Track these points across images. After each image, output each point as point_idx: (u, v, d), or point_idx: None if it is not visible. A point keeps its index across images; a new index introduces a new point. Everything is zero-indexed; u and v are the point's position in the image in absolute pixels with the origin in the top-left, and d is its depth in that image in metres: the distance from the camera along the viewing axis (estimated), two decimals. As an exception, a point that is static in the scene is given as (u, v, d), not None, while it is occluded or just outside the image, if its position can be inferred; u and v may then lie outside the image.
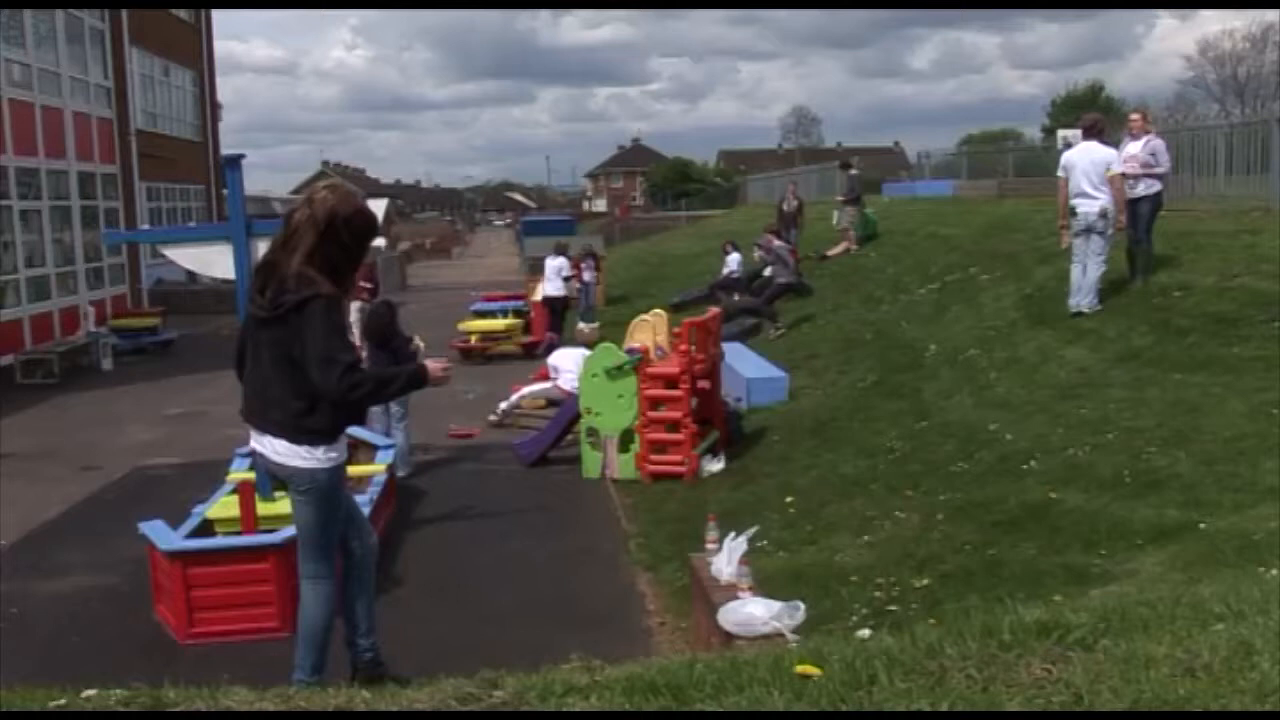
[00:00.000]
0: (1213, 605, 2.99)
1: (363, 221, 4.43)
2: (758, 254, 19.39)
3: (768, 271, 18.79)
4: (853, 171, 23.42)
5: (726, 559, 5.54)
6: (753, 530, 5.66)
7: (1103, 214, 11.19)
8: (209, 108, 35.20)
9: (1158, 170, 11.87)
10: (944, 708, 2.20)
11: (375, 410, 10.78)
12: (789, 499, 9.18)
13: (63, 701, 2.56)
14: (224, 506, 8.19)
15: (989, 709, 2.19)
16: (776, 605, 4.82)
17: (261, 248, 8.30)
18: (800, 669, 2.49)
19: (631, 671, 2.52)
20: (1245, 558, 5.18)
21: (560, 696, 2.35)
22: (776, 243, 18.90)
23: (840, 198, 22.93)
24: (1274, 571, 4.28)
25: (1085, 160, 11.33)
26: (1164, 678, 2.33)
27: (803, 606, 4.73)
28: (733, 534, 5.62)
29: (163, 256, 10.77)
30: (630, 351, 11.18)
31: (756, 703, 2.26)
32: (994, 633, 2.68)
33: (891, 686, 2.36)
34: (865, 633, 3.18)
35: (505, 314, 21.56)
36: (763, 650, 3.08)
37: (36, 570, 8.58)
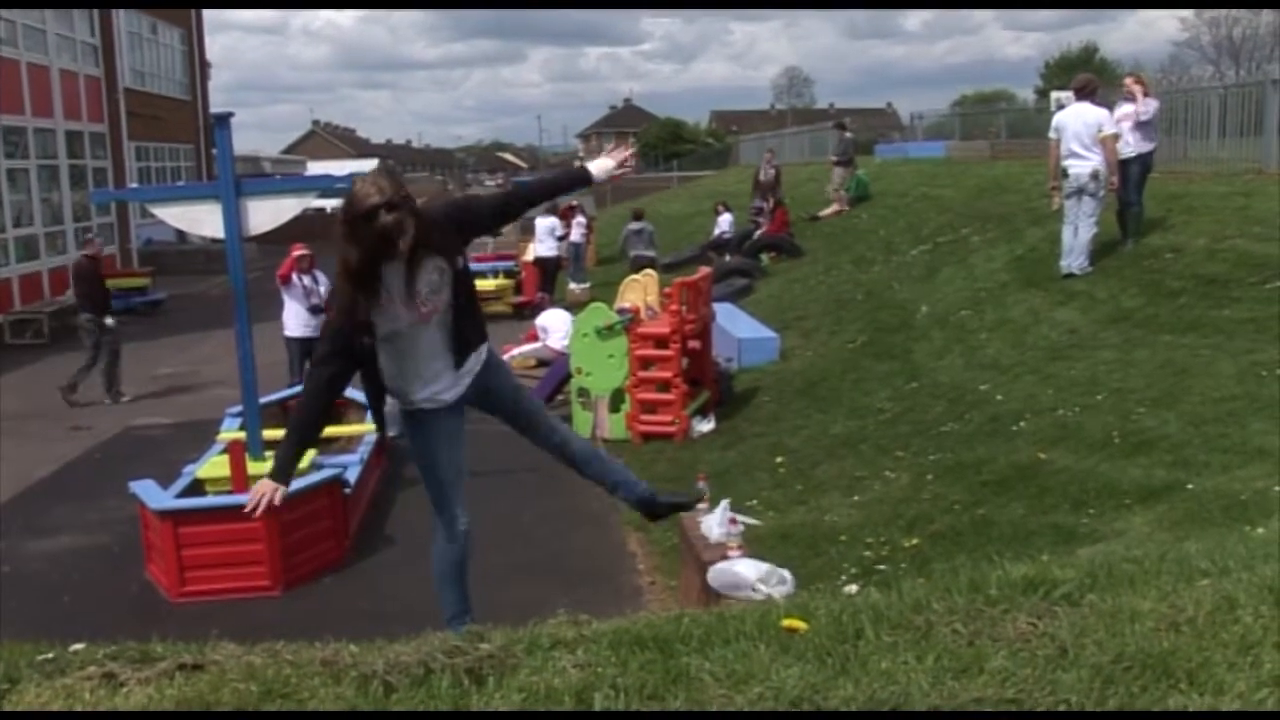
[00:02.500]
0: (1198, 561, 3.00)
1: (349, 210, 4.06)
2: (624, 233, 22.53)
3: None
4: (847, 134, 23.32)
5: (718, 519, 5.56)
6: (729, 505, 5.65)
7: (1094, 175, 11.16)
8: (198, 66, 34.91)
9: (1143, 118, 11.77)
10: (929, 661, 2.21)
11: None
12: (779, 459, 9.21)
13: (50, 655, 2.57)
14: (214, 466, 8.19)
15: (974, 662, 2.20)
16: (765, 567, 4.83)
17: (250, 207, 8.31)
18: (787, 623, 2.50)
19: (618, 626, 2.53)
20: (1232, 517, 5.21)
21: (547, 650, 2.36)
22: (633, 224, 22.48)
23: (833, 159, 22.83)
24: (1260, 530, 4.30)
25: (1077, 122, 11.29)
26: (1148, 631, 2.34)
27: (791, 578, 4.74)
28: (723, 501, 5.63)
29: (152, 216, 10.73)
30: (621, 311, 11.17)
31: (743, 656, 2.27)
32: (981, 588, 2.69)
33: (877, 640, 2.37)
34: (852, 588, 3.19)
35: (496, 274, 21.51)
36: (750, 605, 3.10)
37: (28, 530, 8.60)
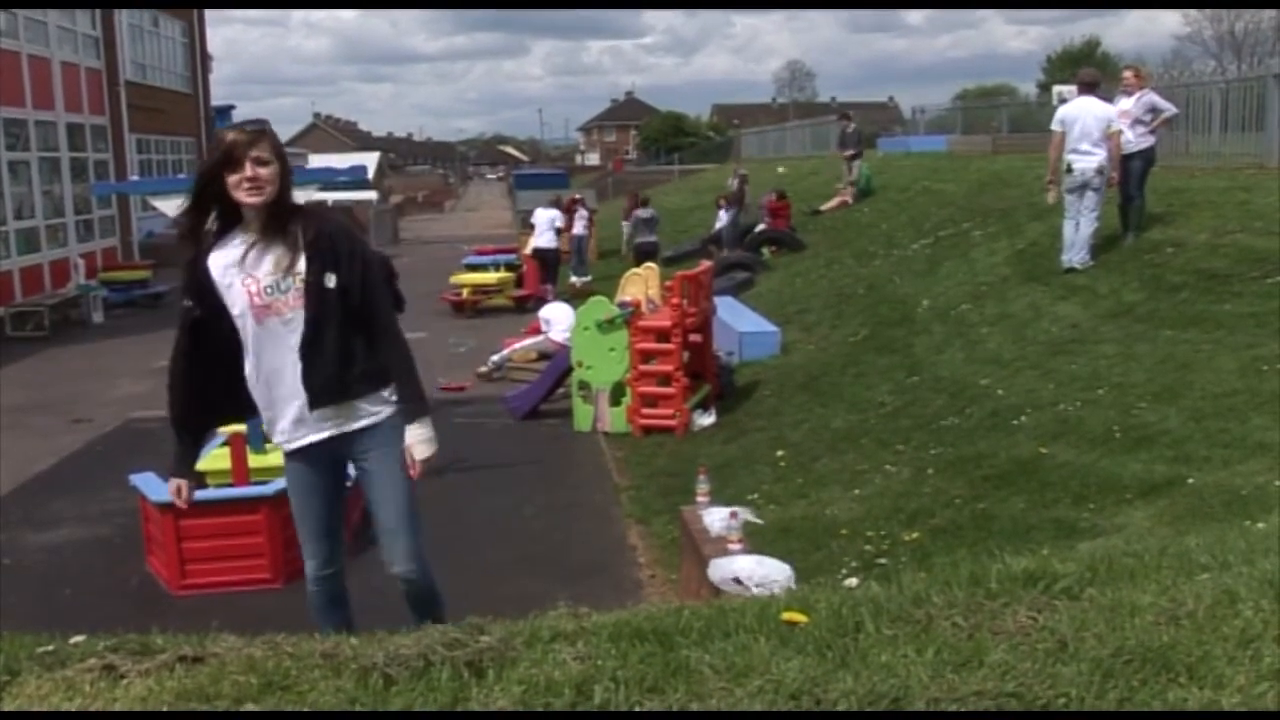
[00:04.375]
0: (1198, 556, 3.00)
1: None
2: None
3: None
4: (850, 126, 23.15)
5: (719, 516, 5.56)
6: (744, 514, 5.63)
7: (1099, 170, 11.16)
8: (199, 59, 34.85)
9: (1166, 114, 11.90)
10: (929, 654, 2.22)
11: None
12: (780, 453, 9.21)
13: (50, 647, 2.57)
14: (215, 458, 8.18)
15: (974, 655, 2.21)
16: (766, 562, 4.83)
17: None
18: (787, 616, 2.50)
19: (619, 618, 2.53)
20: (1232, 512, 5.21)
21: (547, 642, 2.36)
22: (641, 212, 22.46)
23: (849, 152, 22.48)
24: (1260, 525, 4.29)
25: (1087, 116, 11.26)
26: (1148, 625, 2.34)
27: (792, 572, 4.74)
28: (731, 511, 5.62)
29: (153, 209, 10.74)
30: (622, 305, 11.16)
31: (743, 649, 2.28)
32: (981, 582, 2.69)
33: (878, 633, 2.37)
34: (852, 582, 3.20)
35: (497, 267, 21.49)
36: (750, 598, 3.10)
37: (28, 522, 8.60)
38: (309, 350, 3.66)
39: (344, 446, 3.84)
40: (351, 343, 3.69)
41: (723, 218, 21.81)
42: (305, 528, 4.09)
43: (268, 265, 3.62)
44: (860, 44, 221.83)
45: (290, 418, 3.78)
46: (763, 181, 25.76)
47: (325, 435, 3.78)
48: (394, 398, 3.78)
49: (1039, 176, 14.60)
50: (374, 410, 3.78)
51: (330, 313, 3.64)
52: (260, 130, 3.64)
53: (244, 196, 3.55)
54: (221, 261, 3.67)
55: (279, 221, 3.62)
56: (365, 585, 7.09)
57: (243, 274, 3.63)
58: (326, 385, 3.68)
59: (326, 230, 3.71)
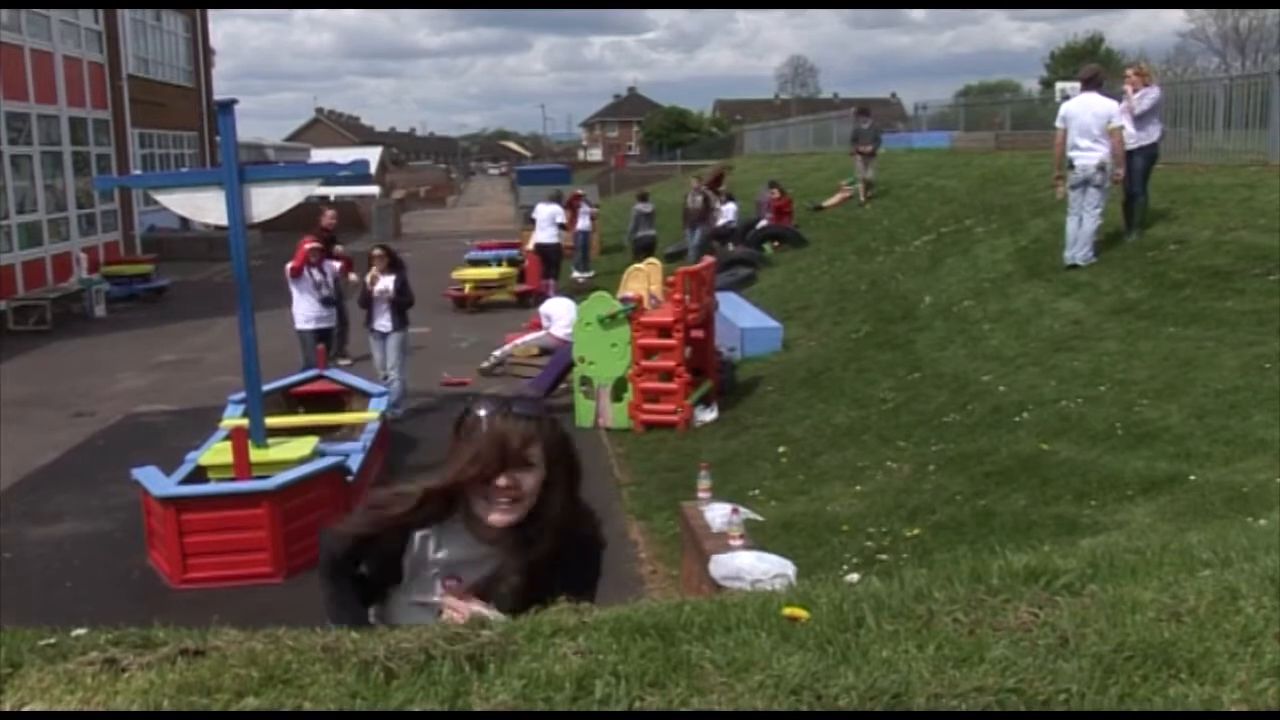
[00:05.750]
0: (1200, 552, 2.99)
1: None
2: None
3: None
4: (865, 123, 22.80)
5: (720, 512, 5.56)
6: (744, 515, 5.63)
7: (1101, 167, 11.15)
8: (201, 53, 34.86)
9: (1138, 110, 11.60)
10: (930, 649, 2.21)
11: (373, 344, 11.18)
12: (781, 449, 9.22)
13: (52, 640, 2.57)
14: (217, 453, 8.19)
15: (975, 651, 2.20)
16: (767, 559, 4.83)
17: (254, 194, 8.31)
18: (788, 612, 2.49)
19: (619, 613, 2.52)
20: (1234, 509, 5.21)
21: (548, 637, 2.35)
22: (642, 206, 22.66)
23: (866, 148, 22.09)
24: (1262, 522, 4.29)
25: (1086, 112, 11.26)
26: (1149, 621, 2.33)
27: (793, 568, 4.74)
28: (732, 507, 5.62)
29: (156, 203, 10.78)
30: (624, 300, 11.16)
31: (744, 644, 2.27)
32: (982, 578, 2.68)
33: (879, 629, 2.36)
34: (853, 577, 3.19)
35: (499, 263, 21.49)
36: (751, 593, 3.09)
37: (30, 516, 8.61)
38: None
39: None
40: None
41: (726, 213, 21.68)
42: None
43: (488, 585, 2.59)
44: (863, 40, 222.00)
45: None
46: (762, 178, 25.72)
47: None
48: None
49: (1042, 173, 14.61)
50: None
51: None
52: (537, 418, 2.53)
53: (491, 514, 2.50)
54: (427, 549, 2.62)
55: (526, 543, 2.58)
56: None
57: (444, 571, 2.59)
58: None
59: (574, 547, 2.84)
